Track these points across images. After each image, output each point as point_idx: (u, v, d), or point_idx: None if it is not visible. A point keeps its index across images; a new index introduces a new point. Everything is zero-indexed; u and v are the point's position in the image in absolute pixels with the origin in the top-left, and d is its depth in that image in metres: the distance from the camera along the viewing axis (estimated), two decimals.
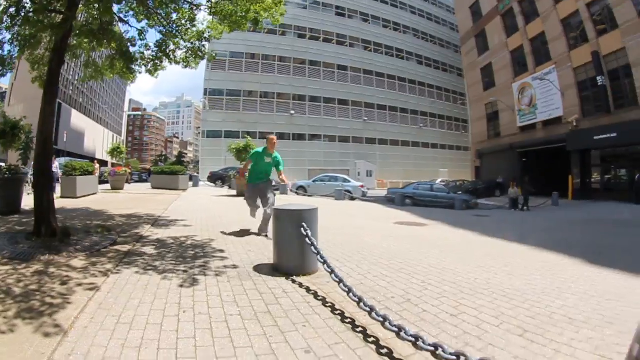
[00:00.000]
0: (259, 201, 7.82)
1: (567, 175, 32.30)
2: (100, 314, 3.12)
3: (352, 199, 25.55)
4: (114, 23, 8.32)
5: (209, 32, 8.68)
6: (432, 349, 2.48)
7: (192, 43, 8.74)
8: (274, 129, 55.79)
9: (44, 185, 5.94)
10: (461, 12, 49.95)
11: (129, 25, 8.64)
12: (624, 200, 25.96)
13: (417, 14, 75.68)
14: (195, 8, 8.59)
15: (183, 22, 8.72)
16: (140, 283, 3.91)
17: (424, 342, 2.59)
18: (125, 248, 5.44)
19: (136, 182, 26.34)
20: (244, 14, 7.95)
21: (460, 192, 28.81)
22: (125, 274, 4.21)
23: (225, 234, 7.34)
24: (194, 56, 8.83)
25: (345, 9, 65.89)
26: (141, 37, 8.85)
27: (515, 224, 15.16)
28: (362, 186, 29.68)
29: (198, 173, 32.70)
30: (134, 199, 13.27)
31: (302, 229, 4.75)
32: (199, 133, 74.77)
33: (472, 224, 13.68)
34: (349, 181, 29.92)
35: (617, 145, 28.45)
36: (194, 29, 8.74)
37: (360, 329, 3.22)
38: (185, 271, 4.48)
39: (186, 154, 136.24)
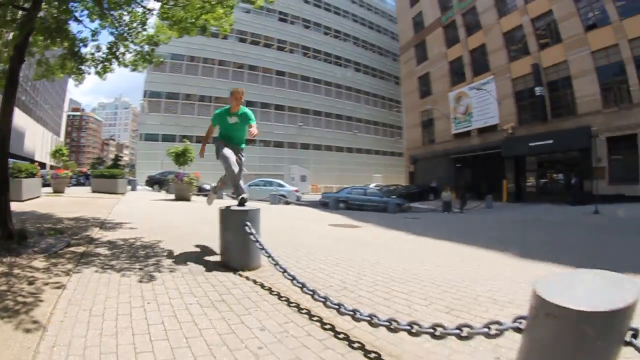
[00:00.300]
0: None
1: (502, 179, 33.73)
2: (72, 309, 3.33)
3: (287, 203, 25.97)
4: (69, 22, 8.21)
5: (158, 37, 8.67)
6: (369, 319, 2.84)
7: (141, 47, 8.70)
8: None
9: (0, 187, 5.88)
10: (403, 22, 51.15)
11: (84, 25, 8.53)
12: (560, 202, 27.29)
13: (359, 22, 76.70)
14: (148, 12, 8.55)
15: (134, 25, 8.64)
16: (102, 280, 4.15)
17: (360, 314, 2.98)
18: (80, 249, 5.59)
19: (74, 185, 25.84)
20: (193, 20, 8.02)
21: (394, 196, 29.55)
22: (86, 272, 4.42)
23: (170, 235, 7.51)
24: (142, 60, 8.77)
25: (288, 14, 66.03)
26: (94, 38, 8.70)
27: (448, 225, 15.95)
28: (297, 191, 30.59)
29: (134, 177, 32.23)
30: (77, 202, 13.11)
31: (247, 227, 5.06)
32: (136, 136, 72.23)
33: (405, 225, 14.32)
34: (284, 186, 30.69)
35: (553, 151, 30.30)
36: (145, 32, 8.68)
37: (305, 310, 3.69)
38: (141, 269, 4.76)
39: (122, 157, 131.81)
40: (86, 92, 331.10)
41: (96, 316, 3.20)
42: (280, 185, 30.73)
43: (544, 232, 13.93)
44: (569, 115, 29.35)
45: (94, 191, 18.62)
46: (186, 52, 53.72)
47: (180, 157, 20.82)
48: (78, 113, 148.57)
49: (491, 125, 36.04)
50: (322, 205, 26.23)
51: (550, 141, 29.58)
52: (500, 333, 2.31)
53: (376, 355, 2.89)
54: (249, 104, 52.60)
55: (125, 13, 8.60)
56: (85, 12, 8.36)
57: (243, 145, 6.47)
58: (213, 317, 3.39)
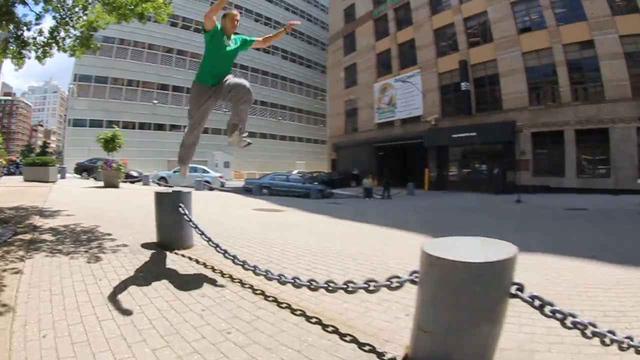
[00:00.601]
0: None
1: (424, 168, 34.86)
2: (33, 291, 3.55)
3: (211, 189, 26.06)
4: (16, 4, 8.16)
5: (97, 22, 8.52)
6: (292, 281, 3.33)
7: (81, 32, 8.57)
8: (136, 118, 53.90)
9: None
10: (334, 12, 51.32)
11: (30, 8, 8.40)
12: (483, 191, 28.64)
13: (291, 11, 75.73)
14: None
15: (76, 9, 8.55)
16: (54, 264, 4.40)
17: (285, 278, 3.46)
18: (27, 237, 5.74)
19: (5, 174, 25.05)
20: (132, 7, 8.00)
21: (316, 183, 29.96)
22: (38, 258, 4.64)
23: (106, 220, 7.72)
24: (80, 45, 8.65)
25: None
26: (37, 22, 8.60)
27: (368, 210, 16.62)
28: (221, 177, 30.66)
29: (63, 164, 31.31)
30: (12, 191, 12.70)
31: (180, 209, 5.35)
32: (63, 121, 68.70)
33: (326, 209, 14.98)
34: (208, 172, 30.56)
35: (476, 143, 31.42)
36: (85, 17, 8.57)
37: (237, 280, 4.19)
38: (86, 251, 5.05)
39: (49, 143, 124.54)
40: (17, 75, 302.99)
41: (57, 294, 3.48)
42: (204, 171, 30.59)
43: (462, 217, 14.85)
44: (494, 110, 30.91)
45: (25, 180, 17.97)
46: (117, 34, 51.01)
47: (110, 143, 20.45)
48: (9, 98, 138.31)
49: (415, 116, 37.11)
50: (246, 191, 26.49)
51: (474, 134, 30.96)
52: (400, 285, 2.75)
53: (301, 312, 3.36)
54: (175, 88, 51.22)
55: None
56: None
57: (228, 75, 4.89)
58: (159, 288, 3.82)
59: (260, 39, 5.25)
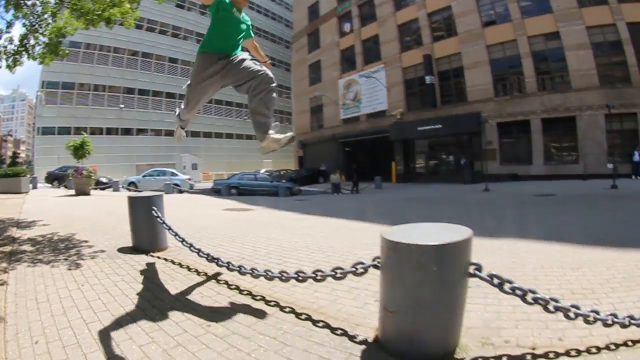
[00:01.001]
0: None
1: (391, 162, 35.01)
2: (20, 301, 3.62)
3: (180, 191, 25.97)
4: None
5: (66, 28, 8.30)
6: (264, 274, 3.47)
7: (50, 39, 8.38)
8: (103, 124, 52.41)
9: None
10: (299, 10, 50.88)
11: (0, 16, 8.27)
12: (451, 182, 28.92)
13: (255, 10, 74.17)
14: (59, 3, 8.30)
15: (45, 16, 8.34)
16: (36, 273, 4.47)
17: (258, 270, 3.59)
18: (8, 249, 5.78)
19: None
20: (100, 12, 7.87)
21: (284, 181, 29.91)
22: (20, 268, 4.69)
23: (81, 227, 7.78)
24: (50, 52, 8.45)
25: (186, 0, 63.09)
26: (7, 30, 8.37)
27: (336, 205, 16.77)
28: (189, 179, 30.32)
29: (33, 174, 30.73)
30: None
31: (154, 212, 5.44)
32: (32, 130, 66.38)
33: (295, 206, 15.08)
34: (177, 175, 30.25)
35: (442, 135, 31.91)
36: (54, 24, 8.33)
37: (212, 277, 4.34)
38: (66, 259, 5.13)
39: (19, 153, 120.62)
40: None
41: (43, 302, 3.56)
42: (173, 174, 30.35)
43: (430, 207, 15.03)
44: (460, 102, 31.25)
45: None
46: (84, 39, 49.10)
47: (79, 151, 20.16)
48: None
49: (380, 111, 37.27)
50: (215, 192, 26.31)
51: (440, 126, 31.16)
52: (365, 270, 2.88)
53: (275, 303, 3.51)
54: (141, 92, 49.41)
55: (38, 3, 8.34)
56: (2, 1, 8.00)
57: (238, 52, 4.12)
58: (138, 289, 3.96)
59: (254, 42, 4.66)
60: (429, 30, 33.54)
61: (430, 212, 13.22)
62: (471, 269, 2.59)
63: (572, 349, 2.66)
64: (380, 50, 37.85)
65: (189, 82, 4.32)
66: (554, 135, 27.98)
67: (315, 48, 47.15)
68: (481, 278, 2.58)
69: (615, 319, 2.64)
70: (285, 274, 3.38)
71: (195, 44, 62.81)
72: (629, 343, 2.70)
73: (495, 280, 2.58)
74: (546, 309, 2.57)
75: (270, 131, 3.93)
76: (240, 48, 4.16)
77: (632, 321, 2.66)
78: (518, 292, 2.56)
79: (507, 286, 2.57)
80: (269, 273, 3.50)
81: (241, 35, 4.15)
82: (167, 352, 2.62)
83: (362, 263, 2.93)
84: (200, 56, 4.06)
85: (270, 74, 3.95)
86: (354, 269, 2.94)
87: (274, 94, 4.06)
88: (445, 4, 32.14)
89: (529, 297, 2.56)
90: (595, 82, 25.74)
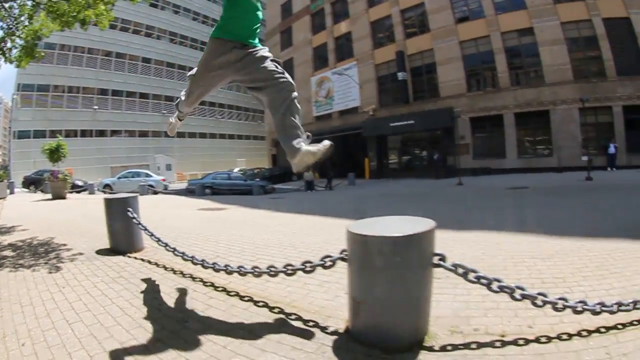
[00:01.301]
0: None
1: (365, 158, 35.13)
2: (5, 305, 3.66)
3: (155, 193, 25.67)
4: None
5: (42, 30, 8.20)
6: (238, 270, 3.57)
7: (27, 41, 8.26)
8: (78, 126, 51.50)
9: None
10: (272, 8, 50.26)
11: None
12: (424, 177, 28.94)
13: None
14: (36, 5, 8.21)
15: (22, 18, 8.27)
16: (18, 278, 4.50)
17: (231, 267, 3.67)
18: None
19: None
20: (75, 14, 7.81)
21: (258, 179, 30.03)
22: (2, 274, 4.71)
23: (59, 231, 7.80)
24: (26, 55, 8.34)
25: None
26: None
27: (309, 202, 16.72)
28: (164, 180, 30.28)
29: (9, 179, 30.16)
30: None
31: (129, 213, 5.52)
32: (8, 134, 64.58)
33: (268, 204, 15.09)
34: (151, 176, 30.13)
35: (415, 130, 32.09)
36: (30, 26, 8.24)
37: (188, 275, 4.45)
38: (46, 263, 5.17)
39: None
40: None
41: (27, 306, 3.61)
42: (147, 175, 30.26)
43: (402, 202, 15.07)
44: (432, 97, 31.49)
45: None
46: (58, 40, 47.75)
47: (55, 154, 19.93)
48: None
49: (352, 108, 37.44)
50: (189, 192, 26.18)
51: (412, 122, 31.34)
52: (333, 263, 2.97)
53: (249, 298, 3.63)
54: (115, 93, 48.42)
55: (15, 5, 8.26)
56: None
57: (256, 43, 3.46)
58: (117, 289, 4.04)
59: None
60: (402, 27, 33.71)
61: (402, 207, 13.20)
62: (435, 259, 2.65)
63: (542, 336, 2.70)
64: (353, 47, 37.88)
65: (194, 70, 3.92)
66: (527, 129, 28.36)
67: (288, 46, 46.93)
68: (445, 268, 2.64)
69: (586, 306, 2.68)
70: (257, 269, 3.47)
71: (168, 43, 62.84)
72: (602, 329, 2.75)
73: (460, 270, 2.64)
74: (512, 297, 2.62)
75: (303, 144, 3.23)
76: (257, 39, 3.50)
77: (604, 308, 2.70)
78: (483, 281, 2.62)
79: (471, 275, 2.64)
80: (242, 269, 3.58)
81: (258, 25, 3.49)
82: (147, 347, 2.71)
83: (330, 256, 3.00)
84: (212, 42, 3.45)
85: (291, 79, 3.40)
86: (322, 262, 3.02)
87: (297, 102, 3.46)
88: (418, 1, 32.36)
89: (494, 285, 2.62)
90: (570, 77, 26.08)
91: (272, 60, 3.36)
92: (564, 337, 2.69)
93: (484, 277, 2.62)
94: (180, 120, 4.54)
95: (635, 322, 2.84)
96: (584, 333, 2.73)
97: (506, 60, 28.46)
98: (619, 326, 2.78)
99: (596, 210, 10.13)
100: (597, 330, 2.75)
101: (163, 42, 63.16)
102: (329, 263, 3.00)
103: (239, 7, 3.26)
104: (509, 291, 2.61)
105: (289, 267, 3.24)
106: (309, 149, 3.14)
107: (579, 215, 9.40)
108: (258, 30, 3.43)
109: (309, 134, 3.32)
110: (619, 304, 2.73)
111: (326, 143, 3.23)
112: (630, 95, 24.64)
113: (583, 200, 12.29)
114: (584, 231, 6.63)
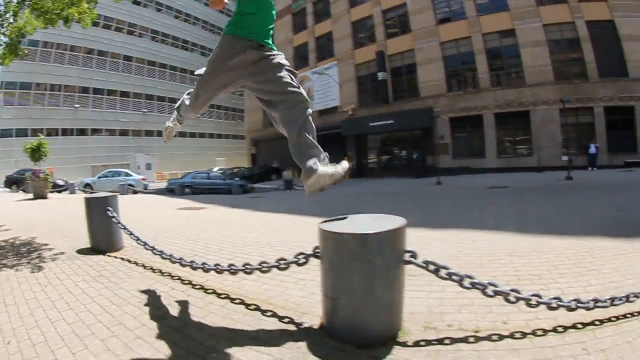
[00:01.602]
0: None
1: (344, 157, 35.36)
2: None
3: (135, 192, 25.62)
4: None
5: (26, 28, 8.14)
6: (215, 268, 3.64)
7: (11, 39, 8.20)
8: (59, 125, 50.81)
9: None
10: None
11: None
12: (404, 176, 29.17)
13: (204, 2, 72.06)
14: (22, 2, 8.06)
15: (8, 16, 8.14)
16: (2, 277, 4.52)
17: (209, 265, 3.74)
18: None
19: None
20: (59, 12, 7.77)
21: (237, 179, 30.06)
22: None
23: (41, 231, 7.80)
24: (9, 52, 8.28)
25: None
26: None
27: (288, 201, 16.79)
28: (144, 179, 30.34)
29: None
30: None
31: (109, 212, 5.55)
32: None
33: (247, 204, 15.21)
34: (131, 175, 30.00)
35: (395, 130, 32.15)
36: (15, 23, 8.19)
37: (167, 273, 4.49)
38: (29, 263, 5.20)
39: None
40: None
41: (11, 305, 3.64)
42: (127, 175, 30.06)
43: (380, 201, 15.21)
44: (412, 98, 31.63)
45: None
46: (42, 37, 46.53)
47: (36, 153, 19.71)
48: None
49: (332, 107, 37.45)
50: (169, 192, 26.20)
51: (392, 121, 31.43)
52: (306, 260, 3.02)
53: (226, 295, 3.68)
54: (96, 91, 47.47)
55: (2, 2, 8.14)
56: None
57: (272, 45, 3.15)
58: (98, 287, 4.08)
59: None
60: (383, 28, 33.81)
61: (381, 206, 13.18)
62: (407, 257, 2.66)
63: (517, 332, 2.72)
64: (334, 47, 37.92)
65: (202, 70, 3.45)
66: (507, 129, 28.70)
67: None
68: (417, 265, 2.65)
69: (561, 303, 2.67)
70: (234, 267, 3.52)
71: (150, 41, 61.96)
72: (579, 326, 2.77)
73: (431, 267, 2.66)
74: (485, 294, 2.62)
75: (319, 164, 2.95)
76: (272, 41, 3.17)
77: (580, 305, 2.70)
78: (455, 277, 2.63)
79: (443, 272, 2.65)
80: (219, 267, 3.64)
81: (272, 25, 3.18)
82: (127, 344, 2.76)
83: (303, 254, 3.04)
84: (226, 39, 3.10)
85: (306, 95, 3.09)
86: (296, 260, 3.06)
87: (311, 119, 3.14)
88: (400, 1, 32.51)
89: (467, 282, 2.63)
90: (551, 78, 26.45)
91: (288, 70, 3.06)
92: (540, 333, 2.72)
93: (455, 274, 2.64)
94: (180, 124, 4.15)
95: (613, 319, 2.87)
96: (560, 329, 2.75)
97: (487, 61, 28.73)
98: (597, 322, 2.82)
99: (575, 209, 10.18)
100: (574, 327, 2.78)
101: (145, 40, 62.28)
102: (302, 260, 3.04)
103: (254, 3, 2.99)
104: (482, 288, 2.62)
105: (264, 265, 3.29)
106: (326, 171, 2.89)
107: (558, 214, 9.46)
108: (272, 32, 3.15)
109: (326, 154, 3.07)
110: (596, 301, 2.76)
111: (345, 165, 3.00)
112: (612, 97, 25.18)
113: (562, 200, 12.37)
114: (562, 230, 6.72)
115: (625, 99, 25.11)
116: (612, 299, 2.79)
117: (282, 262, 3.19)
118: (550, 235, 6.29)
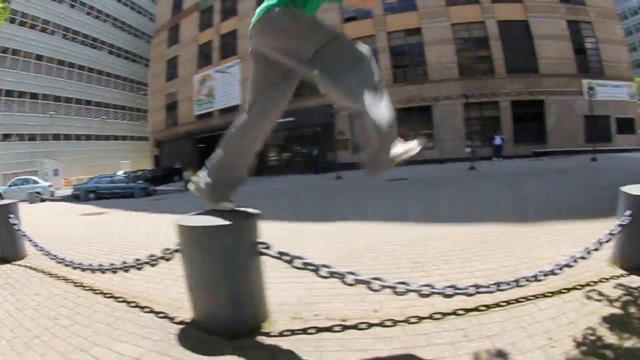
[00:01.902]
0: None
1: None
2: None
3: (42, 200, 24.84)
4: None
5: None
6: (99, 268, 3.86)
7: None
8: None
9: None
10: (163, 4, 48.64)
11: None
12: (305, 172, 29.46)
13: (122, 2, 70.04)
14: None
15: None
16: None
17: (94, 265, 3.96)
18: None
19: None
20: None
21: (141, 181, 29.36)
22: None
23: None
24: None
25: None
26: None
27: (187, 202, 16.16)
28: (50, 186, 29.10)
29: None
30: None
31: (10, 219, 5.51)
32: None
33: (147, 206, 15.44)
34: (38, 182, 28.85)
35: (295, 127, 31.47)
36: None
37: (62, 277, 4.70)
38: None
39: None
40: None
41: None
42: (35, 182, 28.90)
43: (274, 198, 15.43)
44: (312, 95, 31.13)
45: None
46: None
47: None
48: None
49: (234, 106, 36.94)
50: (75, 198, 25.65)
51: (292, 118, 31.46)
52: (172, 256, 3.07)
53: (111, 294, 3.93)
54: (8, 93, 44.64)
55: None
56: None
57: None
58: (3, 294, 4.26)
59: None
60: None
61: (273, 203, 13.46)
62: (260, 248, 2.68)
63: (387, 319, 2.75)
64: (237, 45, 37.52)
65: (253, 74, 2.83)
66: (409, 123, 29.41)
67: (175, 43, 45.83)
68: (270, 256, 2.65)
69: (433, 289, 2.56)
70: (114, 266, 3.77)
71: (61, 38, 58.32)
72: (460, 312, 2.78)
73: (285, 257, 2.62)
74: (344, 282, 2.54)
75: (386, 148, 2.40)
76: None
77: (457, 291, 2.60)
78: (310, 267, 2.59)
79: (297, 262, 2.61)
80: (102, 267, 3.88)
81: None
82: (27, 343, 2.98)
83: (169, 249, 3.08)
84: (286, 15, 2.35)
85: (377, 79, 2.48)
86: (163, 255, 3.15)
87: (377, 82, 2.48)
88: None
89: (323, 271, 2.56)
90: (455, 74, 27.82)
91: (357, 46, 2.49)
92: (413, 320, 2.74)
93: (310, 264, 2.58)
94: (231, 202, 3.10)
95: (502, 304, 2.85)
96: (437, 316, 2.76)
97: (390, 58, 29.57)
98: (482, 308, 2.83)
99: (474, 197, 10.45)
100: (454, 313, 2.78)
101: (56, 37, 58.68)
102: (168, 255, 3.10)
103: None
104: (339, 277, 2.53)
105: (137, 262, 3.50)
106: (400, 152, 2.39)
107: (455, 203, 9.66)
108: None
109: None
110: (477, 286, 2.64)
111: (411, 147, 2.42)
112: (519, 91, 27.04)
113: (462, 189, 12.79)
114: (457, 217, 6.92)
115: (535, 93, 27.12)
116: (498, 284, 2.69)
117: (151, 258, 3.34)
118: (443, 223, 6.43)
